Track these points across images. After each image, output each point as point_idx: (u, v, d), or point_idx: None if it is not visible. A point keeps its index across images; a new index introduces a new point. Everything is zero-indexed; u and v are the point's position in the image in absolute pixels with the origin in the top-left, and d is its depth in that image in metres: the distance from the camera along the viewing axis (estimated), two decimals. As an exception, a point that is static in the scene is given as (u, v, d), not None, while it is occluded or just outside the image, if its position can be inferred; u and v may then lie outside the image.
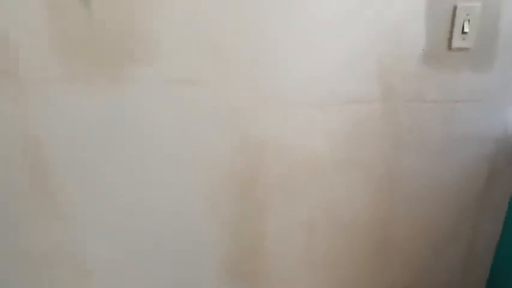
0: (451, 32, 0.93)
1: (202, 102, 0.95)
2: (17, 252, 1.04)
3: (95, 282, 1.09)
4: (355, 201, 1.10)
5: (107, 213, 1.02)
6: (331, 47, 0.94)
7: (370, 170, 1.07)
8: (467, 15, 0.91)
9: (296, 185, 1.07)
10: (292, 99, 0.98)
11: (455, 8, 0.91)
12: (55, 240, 1.04)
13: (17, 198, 0.98)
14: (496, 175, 1.10)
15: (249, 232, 1.11)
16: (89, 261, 1.07)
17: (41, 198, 0.99)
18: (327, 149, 1.03)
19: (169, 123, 0.96)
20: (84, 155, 0.95)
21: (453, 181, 1.11)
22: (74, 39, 0.84)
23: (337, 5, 0.90)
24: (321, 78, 0.97)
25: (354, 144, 1.03)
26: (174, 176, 1.02)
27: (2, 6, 0.81)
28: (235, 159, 1.02)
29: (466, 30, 0.92)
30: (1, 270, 1.05)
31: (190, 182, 1.03)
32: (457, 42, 0.94)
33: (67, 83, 0.87)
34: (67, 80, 0.87)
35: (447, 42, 0.94)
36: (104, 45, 0.85)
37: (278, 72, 0.95)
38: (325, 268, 1.18)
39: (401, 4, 0.91)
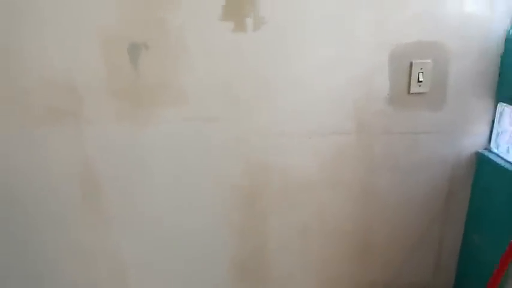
0: (409, 81, 1.20)
1: (216, 134, 1.23)
2: (70, 249, 1.32)
3: (129, 273, 1.37)
4: (340, 211, 1.36)
5: (141, 220, 1.30)
6: (316, 92, 1.21)
7: (351, 187, 1.33)
8: (421, 68, 1.18)
9: (291, 198, 1.33)
10: (286, 131, 1.25)
11: (411, 64, 1.18)
12: (99, 240, 1.32)
13: (74, 206, 1.27)
14: (454, 191, 1.35)
15: (253, 237, 1.37)
16: (126, 256, 1.35)
17: (91, 207, 1.27)
18: (315, 170, 1.29)
19: (190, 151, 1.24)
20: (126, 175, 1.24)
21: (420, 196, 1.36)
22: (124, 89, 1.14)
23: (320, 61, 1.17)
24: (309, 115, 1.23)
25: (337, 166, 1.30)
26: (193, 191, 1.29)
27: (72, 64, 1.11)
28: (242, 178, 1.29)
29: (421, 79, 1.19)
30: (56, 262, 1.34)
31: (206, 196, 1.30)
32: (414, 88, 1.21)
33: (116, 121, 1.17)
34: (117, 118, 1.17)
35: (407, 89, 1.21)
36: (145, 93, 1.15)
37: (275, 110, 1.22)
38: (317, 267, 1.43)
39: (370, 61, 1.18)
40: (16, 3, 1.05)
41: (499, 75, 1.20)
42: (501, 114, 1.24)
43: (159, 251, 1.35)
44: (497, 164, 1.21)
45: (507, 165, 1.18)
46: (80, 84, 1.12)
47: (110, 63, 1.11)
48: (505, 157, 1.22)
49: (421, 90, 1.21)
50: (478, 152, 1.29)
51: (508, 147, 1.23)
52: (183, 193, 1.29)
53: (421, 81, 1.20)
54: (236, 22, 1.09)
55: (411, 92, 1.21)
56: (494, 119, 1.26)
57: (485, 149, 1.29)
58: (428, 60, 1.18)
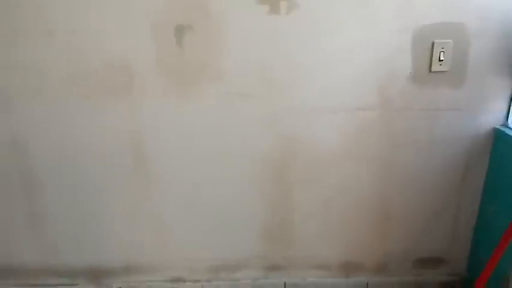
0: (430, 60, 1.28)
1: (250, 109, 1.36)
2: (120, 211, 1.50)
3: (170, 233, 1.54)
4: (361, 184, 1.47)
5: (183, 185, 1.46)
6: (343, 70, 1.31)
7: (373, 160, 1.43)
8: (442, 48, 1.27)
9: (317, 169, 1.44)
10: (314, 107, 1.36)
11: (433, 43, 1.27)
12: (145, 203, 1.49)
13: (124, 172, 1.43)
14: (471, 166, 1.43)
15: (281, 205, 1.50)
16: (168, 218, 1.52)
17: (140, 173, 1.43)
18: (340, 144, 1.40)
19: (227, 125, 1.37)
20: (171, 145, 1.39)
21: (439, 170, 1.45)
22: (170, 67, 1.28)
23: (347, 41, 1.27)
24: (336, 92, 1.34)
25: (360, 141, 1.40)
26: (228, 161, 1.43)
27: (126, 45, 1.26)
28: (272, 151, 1.42)
29: (442, 58, 1.28)
30: (108, 223, 1.52)
31: (240, 167, 1.44)
32: (435, 67, 1.29)
33: (164, 96, 1.32)
34: (164, 93, 1.31)
35: (428, 67, 1.30)
36: (189, 71, 1.28)
37: (304, 88, 1.33)
38: (338, 235, 1.55)
39: (393, 41, 1.27)
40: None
41: (518, 54, 1.27)
42: (519, 91, 1.31)
43: (197, 214, 1.51)
44: (514, 139, 1.29)
45: (523, 140, 1.26)
46: (133, 63, 1.27)
47: (159, 44, 1.25)
48: (522, 133, 1.30)
49: (442, 68, 1.29)
50: (496, 127, 1.37)
51: (525, 123, 1.30)
52: (220, 162, 1.43)
53: (442, 60, 1.28)
54: (271, 5, 1.21)
55: (432, 70, 1.30)
56: (511, 96, 1.33)
57: (503, 125, 1.37)
58: (449, 40, 1.26)
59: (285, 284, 1.62)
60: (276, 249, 1.57)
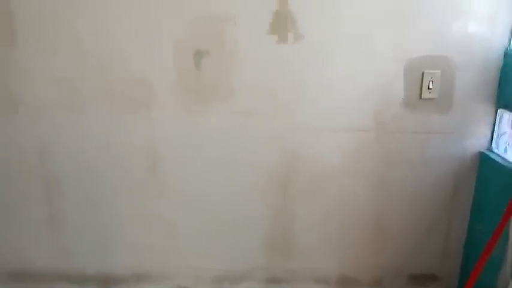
0: (420, 88, 1.43)
1: (257, 127, 1.49)
2: (133, 215, 1.60)
3: (179, 242, 1.64)
4: (358, 199, 1.58)
5: (192, 194, 1.57)
6: (342, 95, 1.46)
7: (368, 178, 1.55)
8: (431, 77, 1.42)
9: (317, 184, 1.56)
10: (316, 127, 1.49)
11: (423, 73, 1.42)
12: (157, 208, 1.59)
13: (138, 178, 1.55)
14: (460, 185, 1.55)
15: (284, 216, 1.60)
16: (177, 228, 1.62)
17: (153, 180, 1.55)
18: (339, 161, 1.53)
19: (235, 140, 1.51)
20: (182, 155, 1.52)
21: (429, 189, 1.56)
22: (188, 86, 1.43)
23: (346, 69, 1.42)
24: (336, 114, 1.48)
25: (357, 159, 1.53)
26: (236, 174, 1.55)
27: (149, 65, 1.41)
28: (277, 166, 1.54)
29: (431, 87, 1.43)
30: (121, 225, 1.61)
31: (246, 180, 1.56)
32: (425, 94, 1.44)
33: (179, 111, 1.46)
34: (180, 109, 1.45)
35: (418, 95, 1.44)
36: (204, 91, 1.43)
37: (307, 110, 1.47)
38: (336, 248, 1.64)
39: (388, 71, 1.42)
40: (108, 18, 1.36)
41: (499, 85, 1.42)
42: (501, 119, 1.45)
43: (205, 225, 1.61)
44: (497, 162, 1.41)
45: (505, 164, 1.38)
46: (154, 81, 1.42)
47: (179, 66, 1.41)
48: (504, 156, 1.42)
49: (431, 96, 1.44)
50: (481, 151, 1.50)
51: (506, 147, 1.43)
52: (228, 175, 1.55)
53: (431, 89, 1.43)
54: (280, 35, 1.37)
55: (422, 97, 1.44)
56: (495, 122, 1.47)
57: (487, 149, 1.50)
58: (438, 71, 1.41)
59: (284, 296, 1.70)
60: (278, 261, 1.66)
